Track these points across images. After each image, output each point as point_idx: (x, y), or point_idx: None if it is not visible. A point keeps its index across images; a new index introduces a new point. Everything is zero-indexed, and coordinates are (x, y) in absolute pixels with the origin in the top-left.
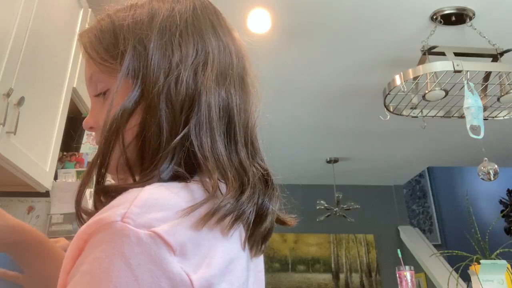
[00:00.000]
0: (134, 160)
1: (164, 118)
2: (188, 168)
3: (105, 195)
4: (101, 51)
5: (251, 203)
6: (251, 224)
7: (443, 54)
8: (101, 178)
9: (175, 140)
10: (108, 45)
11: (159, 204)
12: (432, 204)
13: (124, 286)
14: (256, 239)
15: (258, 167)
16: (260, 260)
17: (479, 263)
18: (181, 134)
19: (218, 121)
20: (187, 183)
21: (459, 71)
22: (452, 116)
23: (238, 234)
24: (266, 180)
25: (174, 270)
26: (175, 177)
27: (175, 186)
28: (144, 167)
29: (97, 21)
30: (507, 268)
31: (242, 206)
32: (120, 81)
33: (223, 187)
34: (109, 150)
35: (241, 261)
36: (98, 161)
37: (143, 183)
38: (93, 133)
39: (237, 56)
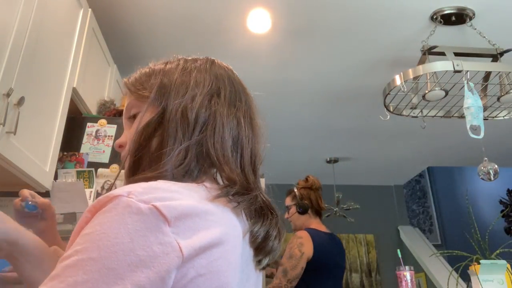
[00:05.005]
0: (155, 162)
1: (180, 127)
2: (197, 171)
3: None
4: (138, 84)
5: (246, 202)
6: (259, 239)
7: (443, 54)
8: (132, 173)
9: (188, 141)
10: (144, 82)
11: (160, 189)
12: (432, 204)
13: (120, 245)
14: (264, 255)
15: (261, 196)
16: (261, 276)
17: (479, 263)
18: (196, 138)
19: (229, 138)
20: (191, 184)
21: (459, 71)
22: (452, 116)
23: (240, 229)
24: (270, 210)
25: (166, 238)
26: (187, 175)
27: (179, 184)
28: (160, 165)
29: (140, 69)
30: (507, 268)
31: (238, 199)
32: (149, 103)
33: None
34: (139, 154)
35: (232, 248)
36: (130, 161)
37: (157, 174)
38: (93, 134)
39: (245, 95)
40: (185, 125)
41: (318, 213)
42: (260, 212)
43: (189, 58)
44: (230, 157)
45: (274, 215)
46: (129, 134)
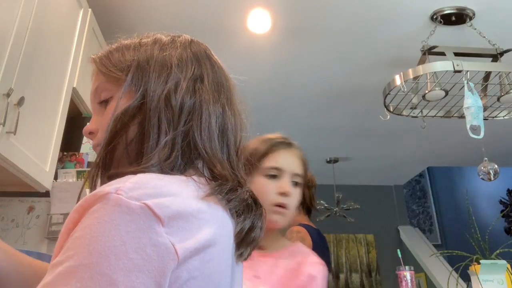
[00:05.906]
0: (134, 154)
1: (164, 116)
2: (184, 164)
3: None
4: (110, 64)
5: (239, 198)
6: (243, 232)
7: (443, 54)
8: (108, 167)
9: (174, 132)
10: (116, 61)
11: (150, 183)
12: (432, 204)
13: (112, 249)
14: (246, 247)
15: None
16: (241, 268)
17: (479, 263)
18: (183, 129)
19: (216, 127)
20: (180, 177)
21: (459, 71)
22: (452, 116)
23: (231, 227)
24: (254, 200)
25: (160, 239)
26: (175, 169)
27: (168, 177)
28: (144, 159)
29: (109, 45)
30: (507, 268)
31: (231, 196)
32: (125, 88)
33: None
34: (114, 144)
35: (223, 249)
36: (104, 152)
37: (143, 169)
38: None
39: (226, 80)
40: (169, 115)
41: (308, 210)
42: (245, 205)
43: (165, 34)
44: (218, 148)
45: (259, 205)
46: (101, 122)
